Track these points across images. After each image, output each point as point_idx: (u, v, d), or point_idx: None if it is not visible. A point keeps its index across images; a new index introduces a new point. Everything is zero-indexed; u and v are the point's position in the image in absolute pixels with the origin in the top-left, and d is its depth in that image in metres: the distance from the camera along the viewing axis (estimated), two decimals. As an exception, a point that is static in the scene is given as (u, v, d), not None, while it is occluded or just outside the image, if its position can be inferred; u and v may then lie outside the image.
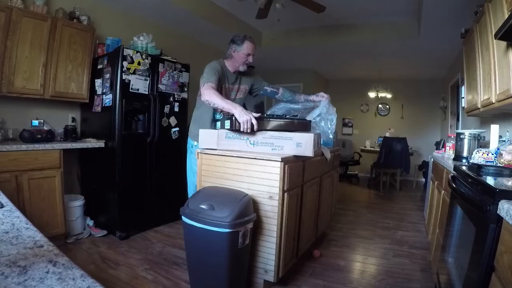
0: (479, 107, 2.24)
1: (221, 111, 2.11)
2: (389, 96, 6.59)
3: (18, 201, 2.10)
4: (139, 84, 2.75)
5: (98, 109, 2.78)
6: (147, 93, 2.82)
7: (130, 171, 2.72)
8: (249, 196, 1.74)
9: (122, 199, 2.66)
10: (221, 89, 2.15)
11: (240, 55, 2.15)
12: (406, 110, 6.94)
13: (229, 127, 1.87)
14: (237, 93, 2.30)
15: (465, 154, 2.15)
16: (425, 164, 5.58)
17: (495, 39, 1.65)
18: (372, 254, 2.61)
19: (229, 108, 1.84)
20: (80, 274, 0.46)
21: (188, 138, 2.33)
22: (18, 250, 0.53)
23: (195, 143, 2.21)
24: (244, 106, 2.26)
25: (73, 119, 2.93)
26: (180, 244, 2.54)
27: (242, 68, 2.20)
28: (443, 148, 2.99)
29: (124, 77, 2.61)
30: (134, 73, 2.69)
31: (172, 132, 3.06)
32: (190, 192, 2.31)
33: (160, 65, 2.92)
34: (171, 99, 3.04)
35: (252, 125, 1.78)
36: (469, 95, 2.64)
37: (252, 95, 2.48)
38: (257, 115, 1.84)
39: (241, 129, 1.80)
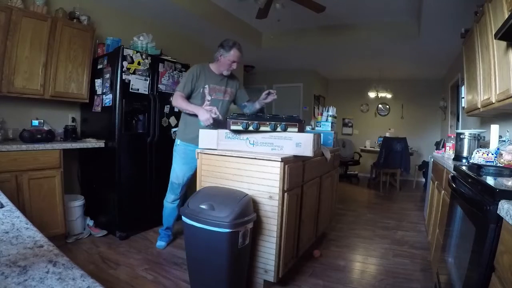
0: (479, 107, 2.24)
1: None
2: (389, 96, 6.59)
3: (18, 201, 2.10)
4: (139, 84, 2.75)
5: (98, 109, 2.78)
6: (147, 93, 2.81)
7: (130, 171, 2.72)
8: (249, 196, 1.75)
9: (122, 199, 2.66)
10: (203, 90, 2.30)
11: (225, 61, 2.27)
12: (406, 110, 6.94)
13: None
14: (224, 94, 2.41)
15: (465, 154, 2.15)
16: (425, 164, 5.58)
17: (495, 39, 1.65)
18: (372, 254, 2.61)
19: (192, 111, 2.17)
20: (80, 274, 0.46)
21: (184, 142, 2.38)
22: (18, 250, 0.53)
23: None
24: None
25: (73, 119, 2.93)
26: (180, 244, 2.54)
27: (225, 73, 2.34)
28: (443, 148, 2.99)
29: (124, 77, 2.61)
30: (134, 73, 2.69)
31: (172, 132, 3.06)
32: (172, 178, 2.45)
33: (160, 65, 2.92)
34: (171, 99, 3.03)
35: (213, 119, 2.06)
36: (469, 95, 2.64)
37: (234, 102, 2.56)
38: (214, 111, 2.11)
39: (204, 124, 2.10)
